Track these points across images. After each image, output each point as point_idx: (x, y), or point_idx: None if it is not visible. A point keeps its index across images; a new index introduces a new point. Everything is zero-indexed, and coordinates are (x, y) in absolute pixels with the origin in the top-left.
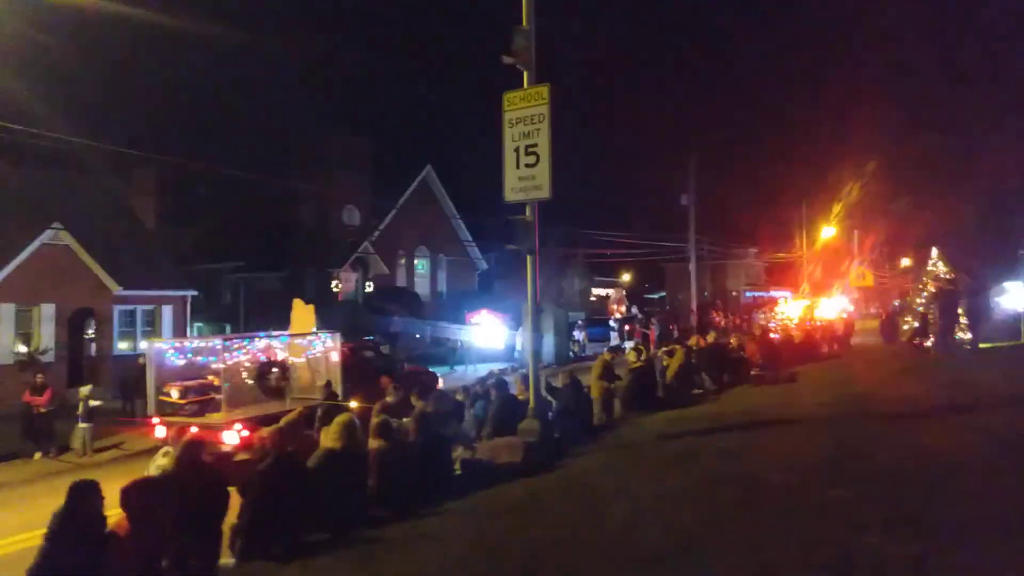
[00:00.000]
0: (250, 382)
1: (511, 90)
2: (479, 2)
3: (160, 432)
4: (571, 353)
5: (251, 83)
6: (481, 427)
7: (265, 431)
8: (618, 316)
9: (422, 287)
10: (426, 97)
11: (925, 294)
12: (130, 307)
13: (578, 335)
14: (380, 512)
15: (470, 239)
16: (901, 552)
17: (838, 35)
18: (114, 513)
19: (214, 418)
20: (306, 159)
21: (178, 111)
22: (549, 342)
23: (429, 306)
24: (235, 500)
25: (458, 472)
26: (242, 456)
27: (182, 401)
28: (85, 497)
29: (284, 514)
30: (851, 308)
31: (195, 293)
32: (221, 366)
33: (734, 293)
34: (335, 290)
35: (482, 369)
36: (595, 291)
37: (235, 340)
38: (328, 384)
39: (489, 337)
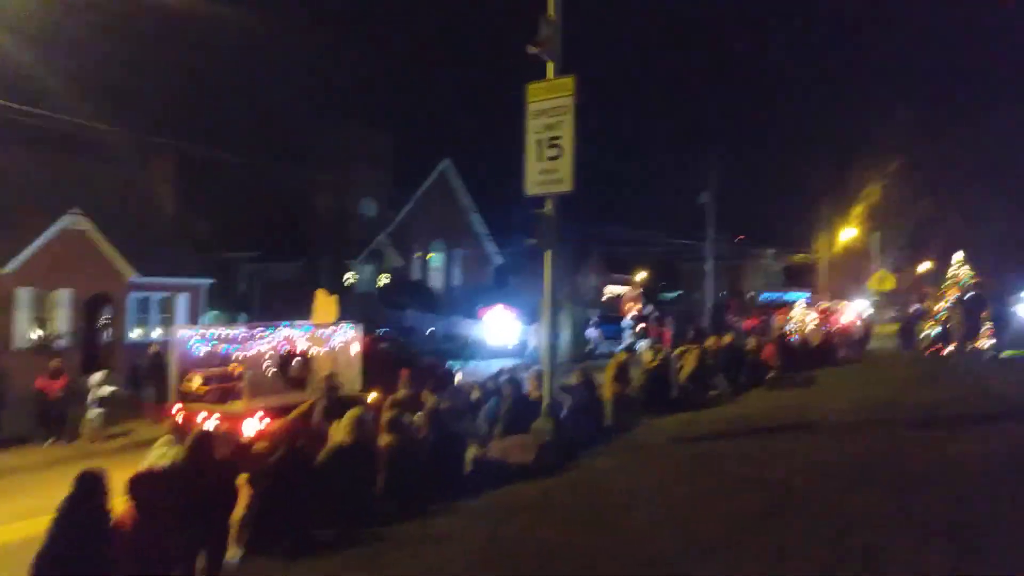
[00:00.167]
0: (272, 371)
1: (535, 81)
2: None
3: (180, 419)
4: (585, 351)
5: (272, 73)
6: (493, 425)
7: (276, 424)
8: (634, 314)
9: (436, 281)
10: (447, 90)
11: (949, 299)
12: (145, 294)
13: (592, 333)
14: (389, 509)
15: (487, 233)
16: (936, 560)
17: (861, 33)
18: (121, 502)
19: (235, 406)
20: (325, 150)
21: (199, 99)
22: (565, 340)
23: (443, 300)
24: (244, 492)
25: (470, 470)
26: (261, 445)
27: (203, 389)
28: (91, 487)
29: (293, 509)
30: (870, 311)
31: (212, 281)
32: (243, 355)
33: (750, 294)
34: (351, 282)
35: (494, 365)
36: (610, 288)
37: (258, 329)
38: (330, 376)
39: (502, 333)
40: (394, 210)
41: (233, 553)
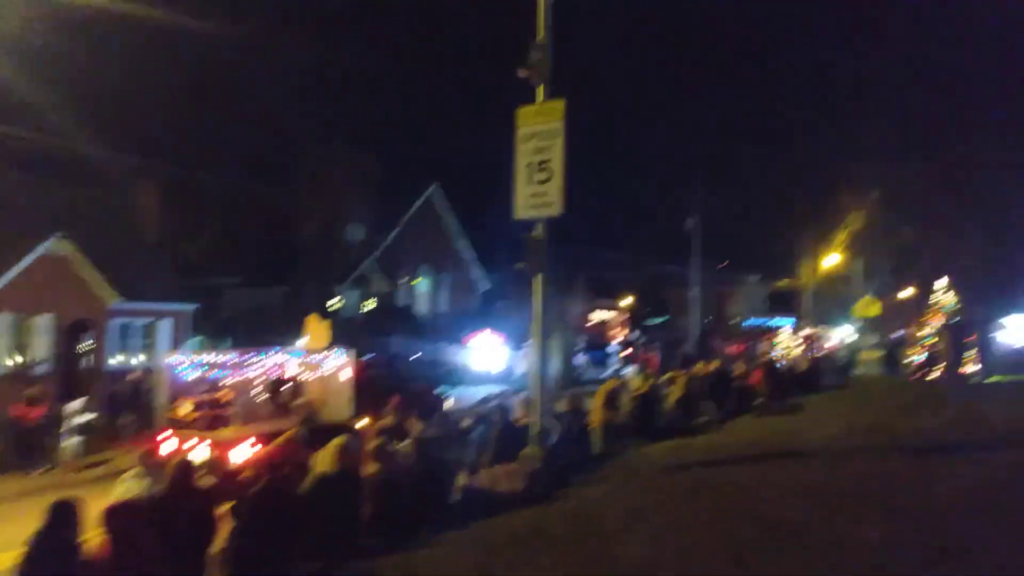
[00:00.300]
0: (263, 397)
1: (525, 105)
2: (492, 17)
3: (170, 447)
4: (572, 377)
5: (260, 97)
6: (481, 452)
7: (259, 453)
8: (620, 340)
9: (423, 306)
10: (435, 114)
11: (933, 325)
12: (128, 320)
13: (579, 359)
14: (375, 541)
15: (474, 258)
16: None
17: (843, 63)
18: (97, 533)
19: (225, 433)
20: (311, 174)
21: (185, 122)
22: (554, 366)
23: (429, 326)
24: (225, 523)
25: (458, 499)
26: (248, 473)
27: (193, 415)
28: (63, 516)
29: (274, 541)
30: (855, 338)
31: (196, 307)
32: (234, 380)
33: (736, 320)
34: (336, 307)
35: (480, 391)
36: (596, 314)
37: (249, 355)
38: (306, 404)
39: (488, 359)
40: (381, 235)
41: None
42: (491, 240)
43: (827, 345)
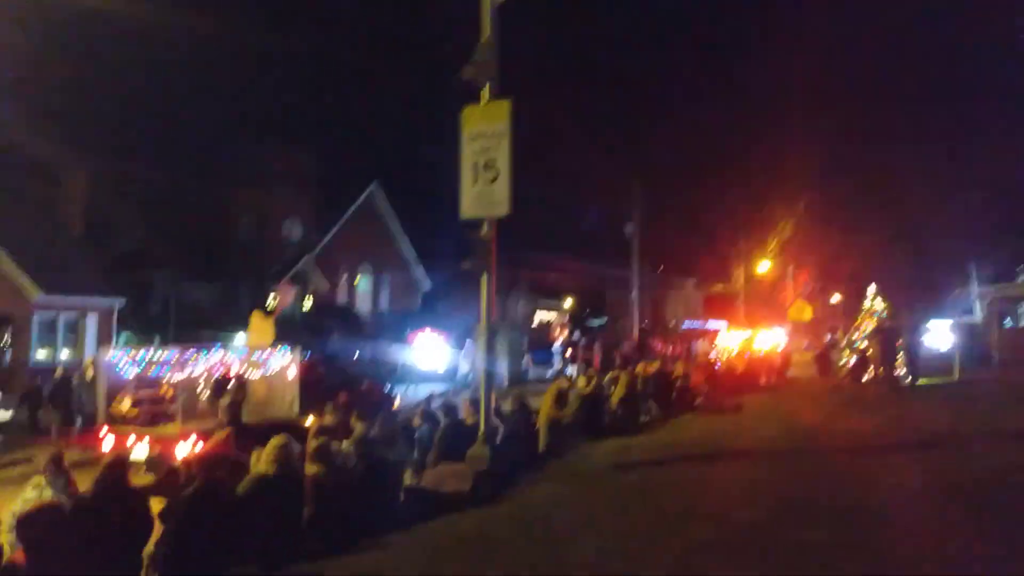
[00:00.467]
0: (207, 394)
1: (471, 104)
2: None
3: (109, 444)
4: (519, 375)
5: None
6: (426, 452)
7: (191, 454)
8: (563, 340)
9: (364, 305)
10: (375, 111)
11: (864, 330)
12: (52, 314)
13: (524, 358)
14: (316, 544)
15: (415, 257)
16: None
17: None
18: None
19: (168, 429)
20: (247, 169)
21: (114, 114)
22: (502, 365)
23: (370, 325)
24: (158, 524)
25: (403, 500)
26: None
27: (134, 412)
28: None
29: (208, 545)
30: (786, 341)
31: (123, 301)
32: (176, 377)
33: (673, 322)
34: (271, 305)
35: (423, 390)
36: (539, 315)
37: (191, 351)
38: (232, 405)
39: (432, 357)
40: (320, 233)
41: None
42: (432, 240)
43: (762, 348)
